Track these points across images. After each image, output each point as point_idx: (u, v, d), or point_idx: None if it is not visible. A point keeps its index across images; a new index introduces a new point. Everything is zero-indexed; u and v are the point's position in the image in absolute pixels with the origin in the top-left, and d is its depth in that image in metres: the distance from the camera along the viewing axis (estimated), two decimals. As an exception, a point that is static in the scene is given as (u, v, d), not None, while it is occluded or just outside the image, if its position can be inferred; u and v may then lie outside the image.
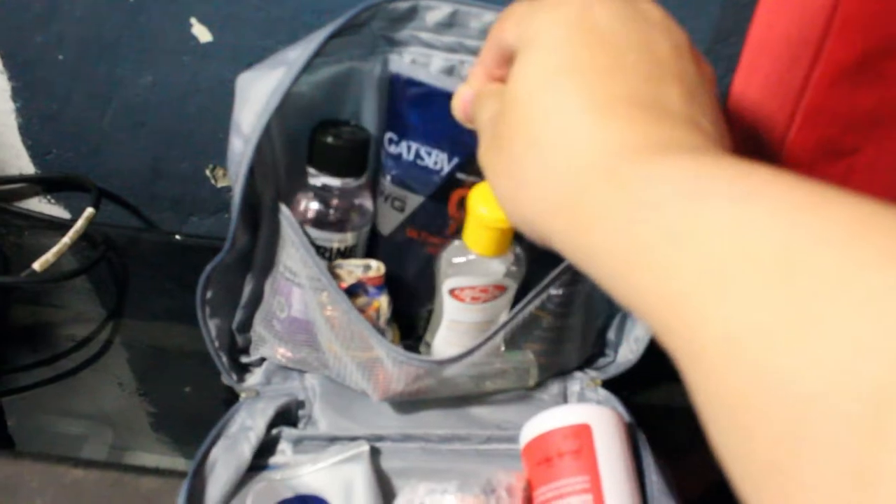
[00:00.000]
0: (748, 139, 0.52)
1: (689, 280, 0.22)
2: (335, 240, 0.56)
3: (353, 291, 0.55)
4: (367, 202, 0.57)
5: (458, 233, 0.56)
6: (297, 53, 0.47)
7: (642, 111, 0.29)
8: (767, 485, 0.19)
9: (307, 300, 0.56)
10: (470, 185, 0.53)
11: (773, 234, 0.21)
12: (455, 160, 0.54)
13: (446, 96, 0.50)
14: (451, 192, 0.55)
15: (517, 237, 0.54)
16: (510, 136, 0.32)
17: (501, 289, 0.54)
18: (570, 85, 0.30)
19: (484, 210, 0.49)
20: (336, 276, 0.55)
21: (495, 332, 0.56)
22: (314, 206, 0.54)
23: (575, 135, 0.29)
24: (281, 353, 0.61)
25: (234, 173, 0.50)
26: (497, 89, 0.37)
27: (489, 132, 0.35)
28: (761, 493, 0.20)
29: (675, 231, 0.23)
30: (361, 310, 0.55)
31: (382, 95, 0.54)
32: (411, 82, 0.51)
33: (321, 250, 0.55)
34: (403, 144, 0.54)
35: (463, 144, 0.53)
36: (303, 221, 0.54)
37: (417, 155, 0.54)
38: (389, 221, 0.59)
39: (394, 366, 0.55)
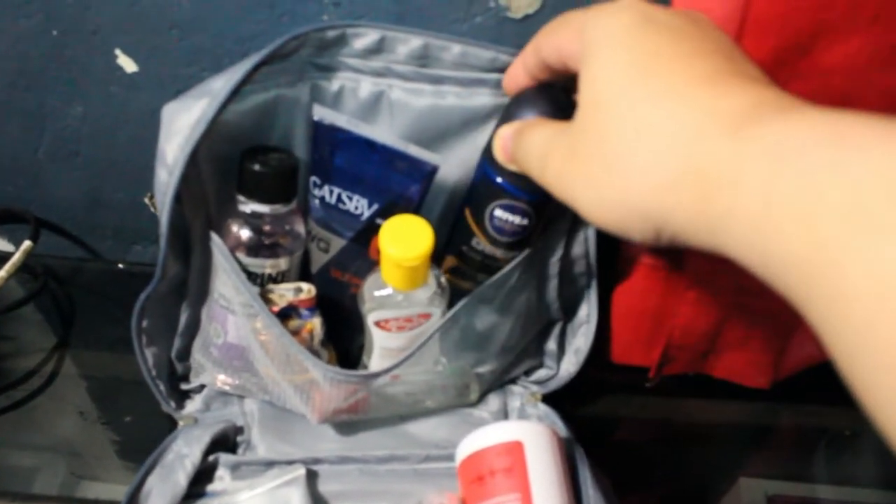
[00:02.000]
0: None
1: (838, 226, 0.22)
2: (267, 265, 0.55)
3: (285, 314, 0.55)
4: (299, 226, 0.57)
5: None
6: (222, 83, 0.47)
7: (738, 79, 0.30)
8: None
9: (241, 326, 0.56)
10: None
11: None
12: (375, 206, 0.54)
13: (367, 142, 0.51)
14: (372, 237, 0.55)
15: (436, 264, 0.54)
16: (598, 140, 0.32)
17: (427, 316, 0.54)
18: (661, 70, 0.31)
19: (392, 249, 0.49)
20: (268, 301, 0.55)
21: (425, 341, 0.56)
22: (245, 232, 0.54)
23: (684, 108, 0.29)
24: (220, 379, 0.61)
25: (161, 203, 0.50)
26: (536, 119, 0.38)
27: (555, 151, 0.35)
28: None
29: (818, 177, 0.23)
30: (295, 332, 0.55)
31: (310, 123, 0.54)
32: (333, 129, 0.51)
33: (253, 276, 0.55)
34: (326, 188, 0.54)
35: (383, 190, 0.53)
36: (234, 248, 0.54)
37: (339, 199, 0.54)
38: (316, 261, 0.59)
39: (330, 385, 0.55)
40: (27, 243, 0.69)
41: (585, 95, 0.33)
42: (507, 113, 0.47)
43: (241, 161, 0.53)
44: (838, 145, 0.23)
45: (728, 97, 0.28)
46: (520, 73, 0.43)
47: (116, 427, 0.66)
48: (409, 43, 0.52)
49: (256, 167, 0.52)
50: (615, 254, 0.62)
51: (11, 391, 0.68)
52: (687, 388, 0.70)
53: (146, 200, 0.72)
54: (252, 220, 0.54)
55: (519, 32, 0.56)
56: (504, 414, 0.64)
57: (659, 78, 0.31)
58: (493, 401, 0.64)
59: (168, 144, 0.49)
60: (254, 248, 0.55)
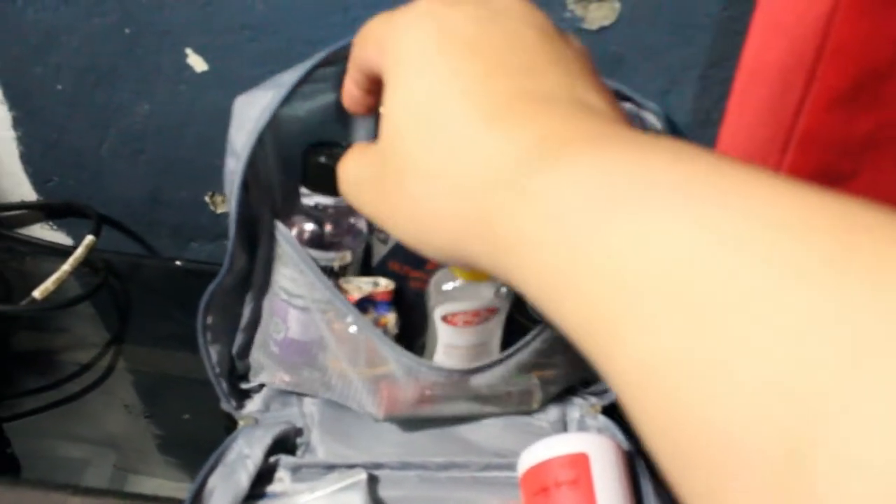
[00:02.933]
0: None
1: (598, 303, 0.21)
2: (335, 259, 0.56)
3: (362, 307, 0.55)
4: (361, 223, 0.57)
5: (438, 266, 0.56)
6: (289, 77, 0.48)
7: (530, 106, 0.27)
8: None
9: (312, 318, 0.56)
10: None
11: (673, 245, 0.19)
12: None
13: None
14: None
15: None
16: (400, 174, 0.30)
17: (493, 311, 0.54)
18: (453, 100, 0.28)
19: None
20: (343, 291, 0.55)
21: (518, 349, 0.56)
22: (309, 226, 0.55)
23: (471, 151, 0.27)
24: (280, 377, 0.61)
25: (229, 191, 0.51)
26: (358, 146, 0.35)
27: (368, 182, 0.33)
28: None
29: (579, 250, 0.22)
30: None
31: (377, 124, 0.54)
32: None
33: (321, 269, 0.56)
34: None
35: None
36: (300, 242, 0.54)
37: None
38: (377, 253, 0.59)
39: (408, 379, 0.55)
40: (90, 238, 0.69)
41: (384, 126, 0.31)
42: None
43: (306, 154, 0.53)
44: (597, 207, 0.22)
45: (514, 136, 0.26)
46: (353, 89, 0.38)
47: (166, 423, 0.66)
48: None
49: (322, 159, 0.52)
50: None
51: (66, 384, 0.68)
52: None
53: (207, 199, 0.73)
54: (315, 213, 0.54)
55: (593, 44, 0.56)
56: (563, 424, 0.64)
57: (454, 108, 0.28)
58: (553, 411, 0.64)
59: (237, 134, 0.50)
60: (318, 241, 0.55)
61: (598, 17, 0.55)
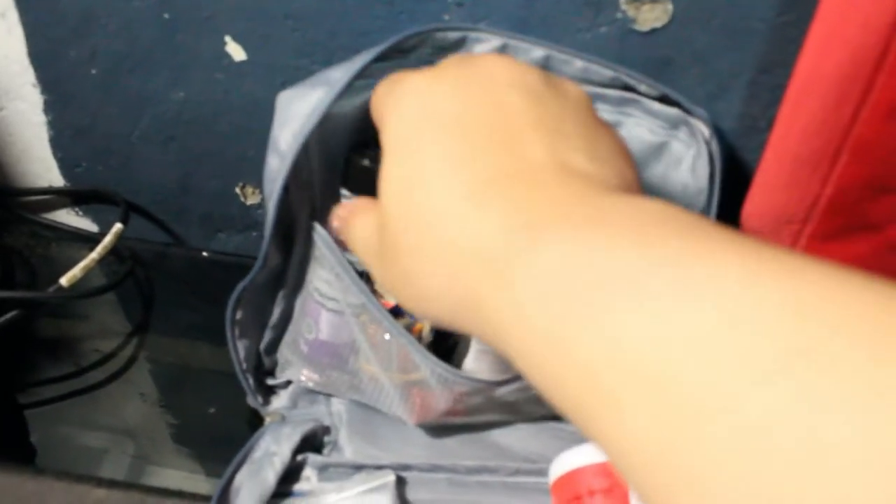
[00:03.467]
0: (794, 174, 0.51)
1: (576, 387, 0.22)
2: None
3: (395, 311, 0.54)
4: None
5: None
6: (340, 74, 0.46)
7: (512, 185, 0.28)
8: None
9: (345, 321, 0.55)
10: None
11: (647, 336, 0.20)
12: None
13: None
14: None
15: None
16: (395, 250, 0.31)
17: None
18: (435, 182, 0.29)
19: None
20: (378, 296, 0.54)
21: None
22: None
23: (455, 233, 0.28)
24: (308, 376, 0.60)
25: (269, 190, 0.50)
26: (366, 204, 0.35)
27: (373, 248, 0.34)
28: None
29: (560, 339, 0.22)
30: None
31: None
32: None
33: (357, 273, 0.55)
34: None
35: None
36: (337, 243, 0.54)
37: None
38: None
39: (441, 387, 0.54)
40: (118, 226, 0.68)
41: (381, 201, 0.32)
42: None
43: (349, 156, 0.52)
44: (578, 297, 0.22)
45: (492, 220, 0.27)
46: None
47: (186, 415, 0.66)
48: (530, 53, 0.51)
49: (365, 162, 0.51)
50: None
51: (87, 373, 0.67)
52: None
53: (237, 190, 0.72)
54: None
55: (643, 46, 0.55)
56: (594, 431, 0.63)
57: (430, 197, 0.29)
58: (584, 417, 0.63)
59: (281, 132, 0.49)
60: None
61: (651, 18, 0.54)
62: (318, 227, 0.53)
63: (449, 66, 0.33)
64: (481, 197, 0.28)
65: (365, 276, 0.55)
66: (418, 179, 0.30)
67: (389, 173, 0.31)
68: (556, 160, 0.29)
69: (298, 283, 0.57)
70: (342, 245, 0.53)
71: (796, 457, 0.16)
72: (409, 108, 0.32)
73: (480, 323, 0.27)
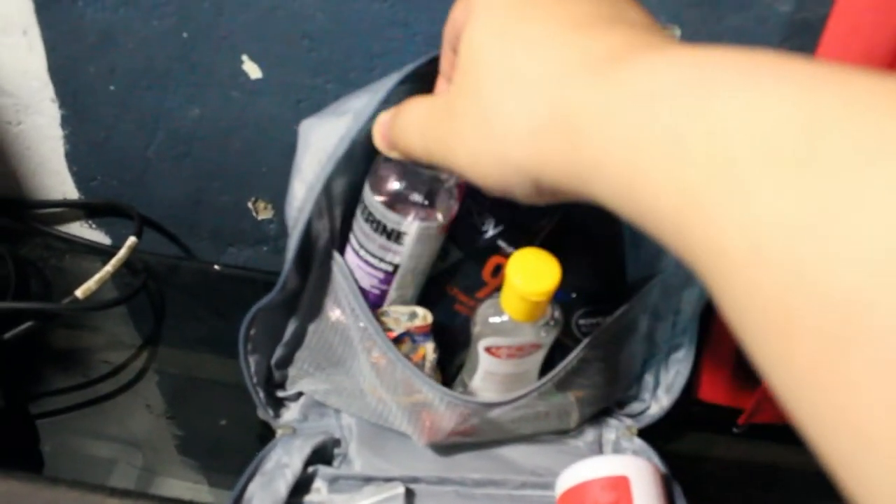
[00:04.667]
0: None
1: (702, 178, 0.21)
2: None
3: (398, 338, 0.55)
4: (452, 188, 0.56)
5: (488, 294, 0.56)
6: (364, 102, 0.46)
7: (613, 24, 0.28)
8: (814, 388, 0.18)
9: (354, 347, 0.56)
10: (508, 255, 0.52)
11: (788, 119, 0.19)
12: (500, 227, 0.54)
13: None
14: (489, 256, 0.55)
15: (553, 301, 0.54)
16: (473, 94, 0.30)
17: (537, 346, 0.54)
18: (535, 16, 0.29)
19: (520, 281, 0.49)
20: (382, 323, 0.55)
21: (548, 380, 0.56)
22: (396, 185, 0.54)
23: (553, 52, 0.27)
24: (319, 390, 0.61)
25: (294, 219, 0.50)
26: (417, 97, 0.35)
27: (433, 115, 0.33)
28: (808, 398, 0.18)
29: (681, 125, 0.22)
30: (407, 356, 0.55)
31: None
32: None
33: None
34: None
35: (512, 214, 0.53)
36: (350, 273, 0.54)
37: (468, 211, 0.54)
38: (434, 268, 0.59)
39: (445, 408, 0.55)
40: (132, 239, 0.69)
41: (462, 57, 0.31)
42: None
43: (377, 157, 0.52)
44: (702, 88, 0.22)
45: (599, 40, 0.27)
46: (443, 82, 0.40)
47: (195, 427, 0.66)
48: None
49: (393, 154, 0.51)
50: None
51: (98, 384, 0.68)
52: (779, 432, 0.70)
53: (249, 205, 0.73)
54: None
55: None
56: (599, 446, 0.64)
57: (532, 24, 0.29)
58: (589, 432, 0.64)
59: (305, 159, 0.49)
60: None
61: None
62: (336, 257, 0.54)
63: None
64: (584, 25, 0.28)
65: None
66: (522, 13, 0.30)
67: (481, 18, 0.31)
68: (647, 22, 0.29)
69: (313, 305, 0.58)
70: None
71: None
72: None
73: (566, 146, 0.26)
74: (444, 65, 0.39)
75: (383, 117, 0.39)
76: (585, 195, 0.26)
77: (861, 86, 0.19)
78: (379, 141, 0.40)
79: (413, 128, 0.35)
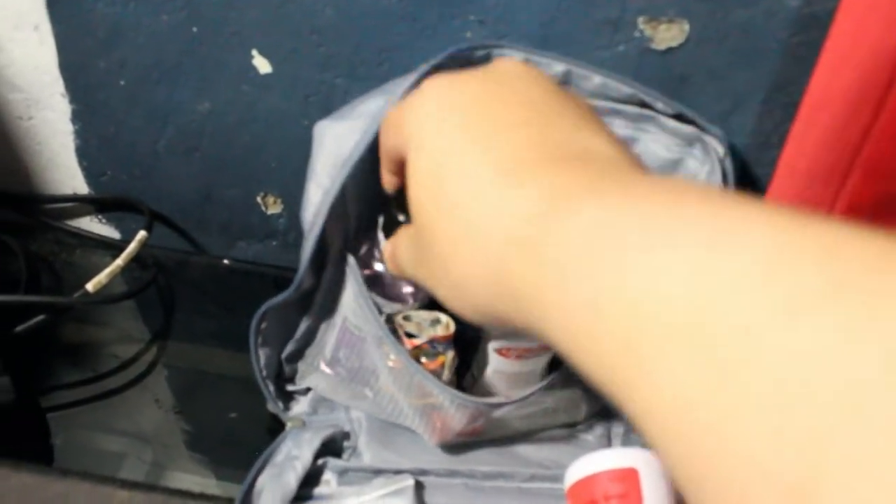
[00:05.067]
0: (805, 191, 0.52)
1: (613, 352, 0.22)
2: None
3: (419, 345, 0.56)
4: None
5: None
6: (379, 105, 0.47)
7: (538, 160, 0.28)
8: None
9: (367, 347, 0.57)
10: None
11: (681, 288, 0.20)
12: None
13: None
14: None
15: None
16: (431, 241, 0.31)
17: (546, 348, 0.55)
18: (463, 156, 0.30)
19: None
20: (404, 328, 0.55)
21: (551, 381, 0.56)
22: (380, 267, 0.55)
23: (485, 210, 0.28)
24: (329, 389, 0.62)
25: (309, 222, 0.51)
26: (404, 228, 0.37)
27: (414, 256, 0.35)
28: None
29: (593, 299, 0.22)
30: (424, 359, 0.56)
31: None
32: None
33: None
34: None
35: None
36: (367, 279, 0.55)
37: None
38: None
39: (456, 409, 0.56)
40: (142, 234, 0.70)
41: (410, 200, 0.32)
42: None
43: (386, 208, 0.53)
44: (604, 255, 0.23)
45: (521, 193, 0.27)
46: (387, 176, 0.40)
47: (204, 421, 0.67)
48: (551, 68, 0.53)
49: (401, 218, 0.50)
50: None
51: (107, 378, 0.68)
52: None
53: (258, 199, 0.73)
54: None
55: (660, 64, 0.56)
56: (608, 439, 0.64)
57: (458, 173, 0.29)
58: (598, 426, 0.64)
59: (319, 163, 0.50)
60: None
61: (667, 37, 0.55)
62: (350, 259, 0.54)
63: (466, 71, 0.34)
64: (510, 178, 0.28)
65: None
66: (446, 168, 0.30)
67: (417, 168, 0.32)
68: (579, 142, 0.29)
69: (326, 305, 0.58)
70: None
71: (832, 398, 0.16)
72: (430, 104, 0.32)
73: (513, 304, 0.27)
74: (387, 166, 0.39)
75: (386, 248, 0.41)
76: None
77: (756, 242, 0.19)
78: (391, 267, 0.42)
79: (404, 258, 0.37)
